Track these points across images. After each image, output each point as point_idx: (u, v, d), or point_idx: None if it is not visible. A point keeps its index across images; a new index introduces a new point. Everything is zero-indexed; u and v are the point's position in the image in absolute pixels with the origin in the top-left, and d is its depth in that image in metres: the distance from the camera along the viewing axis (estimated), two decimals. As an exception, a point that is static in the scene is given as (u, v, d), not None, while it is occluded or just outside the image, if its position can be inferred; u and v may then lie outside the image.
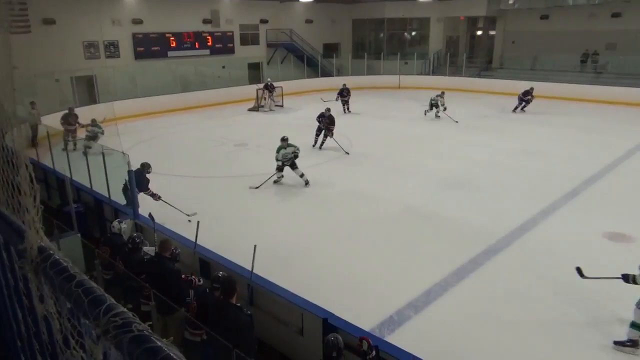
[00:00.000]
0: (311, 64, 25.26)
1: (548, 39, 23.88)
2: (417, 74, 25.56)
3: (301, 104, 20.04)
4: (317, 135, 12.75)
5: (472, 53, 27.59)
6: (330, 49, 27.63)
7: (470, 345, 4.87)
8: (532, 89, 17.59)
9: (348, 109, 17.78)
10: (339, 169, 11.15)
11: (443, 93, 16.38)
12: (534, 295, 5.76)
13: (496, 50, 27.08)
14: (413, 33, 29.21)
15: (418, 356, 3.79)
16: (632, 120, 16.07)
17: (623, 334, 4.82)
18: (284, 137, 9.98)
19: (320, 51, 26.94)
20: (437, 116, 16.22)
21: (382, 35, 29.29)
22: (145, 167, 7.85)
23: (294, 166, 9.80)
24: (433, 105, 16.19)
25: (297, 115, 18.15)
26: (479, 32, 28.71)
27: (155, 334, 0.77)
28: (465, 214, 8.22)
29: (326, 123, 12.45)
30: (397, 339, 4.76)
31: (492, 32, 27.55)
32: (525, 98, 17.44)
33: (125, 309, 0.82)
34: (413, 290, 5.81)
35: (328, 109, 12.85)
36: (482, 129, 15.02)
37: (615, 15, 22.28)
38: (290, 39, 24.98)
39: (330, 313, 4.23)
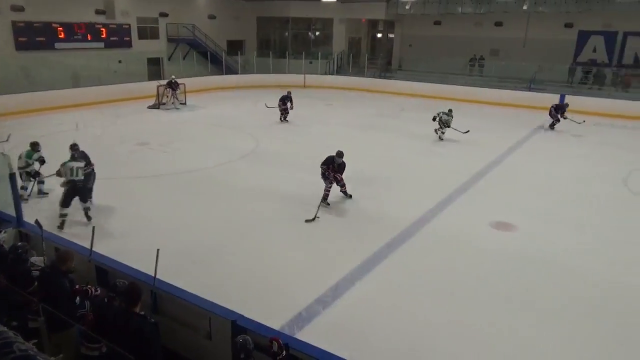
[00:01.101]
0: (215, 61, 24.69)
1: (441, 43, 25.63)
2: (322, 74, 26.07)
3: (205, 102, 19.52)
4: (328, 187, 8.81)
5: (374, 54, 28.73)
6: (235, 46, 27.21)
7: (379, 336, 5.07)
8: (566, 104, 15.94)
9: (285, 118, 15.86)
10: (244, 167, 11.04)
11: (451, 111, 13.93)
12: (437, 285, 6.14)
13: (395, 52, 28.50)
14: (317, 33, 29.72)
15: (328, 350, 3.87)
16: (513, 120, 17.75)
17: (533, 309, 5.32)
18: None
19: (225, 48, 26.43)
20: (441, 138, 13.90)
21: (287, 34, 29.45)
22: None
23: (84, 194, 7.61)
24: (442, 123, 13.74)
25: (201, 113, 17.65)
26: (379, 35, 30.00)
27: (42, 352, 0.70)
28: (370, 208, 8.56)
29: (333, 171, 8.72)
30: (307, 335, 4.82)
31: (391, 35, 28.93)
32: (557, 115, 15.75)
33: (5, 328, 0.74)
34: (321, 285, 5.93)
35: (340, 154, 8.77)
36: (382, 127, 15.70)
37: (498, 24, 24.51)
38: (192, 35, 24.18)
39: (240, 314, 4.18)
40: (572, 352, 4.95)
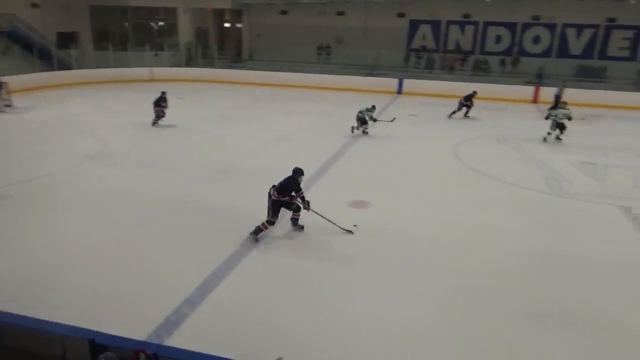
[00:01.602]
0: (45, 55, 21.95)
1: (289, 32, 26.22)
2: (170, 66, 24.88)
3: (37, 103, 17.32)
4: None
5: (223, 44, 28.25)
6: (66, 39, 24.48)
7: (253, 330, 5.09)
8: (474, 92, 16.64)
9: (157, 122, 14.25)
10: (87, 171, 10.11)
11: (374, 107, 13.73)
12: (305, 270, 6.35)
13: (244, 42, 28.38)
14: (160, 23, 28.18)
15: (203, 352, 3.79)
16: (358, 105, 18.91)
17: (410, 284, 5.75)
18: None
19: (54, 41, 23.65)
20: (365, 132, 13.68)
21: (126, 24, 27.40)
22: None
23: None
24: (361, 120, 13.51)
25: (34, 116, 15.62)
26: (227, 25, 29.56)
27: None
28: (232, 200, 8.49)
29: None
30: (178, 340, 4.67)
31: (239, 25, 28.69)
32: (467, 103, 16.50)
33: None
34: (188, 285, 5.75)
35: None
36: (239, 119, 15.62)
37: (340, 13, 25.86)
38: (12, 26, 21.14)
39: (98, 332, 3.86)
40: (421, 315, 5.54)
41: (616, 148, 12.97)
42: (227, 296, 5.65)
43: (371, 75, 22.96)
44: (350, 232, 7.30)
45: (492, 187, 9.78)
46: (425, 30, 25.24)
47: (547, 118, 13.58)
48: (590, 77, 21.54)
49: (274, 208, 6.95)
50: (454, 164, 11.31)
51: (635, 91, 20.20)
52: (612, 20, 22.64)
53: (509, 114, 17.57)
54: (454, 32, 24.86)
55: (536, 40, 23.82)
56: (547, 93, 19.53)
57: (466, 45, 24.79)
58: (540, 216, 8.29)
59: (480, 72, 23.33)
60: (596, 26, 22.89)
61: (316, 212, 7.22)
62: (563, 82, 18.95)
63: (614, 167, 11.20)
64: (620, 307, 5.64)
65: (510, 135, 14.22)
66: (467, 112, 16.64)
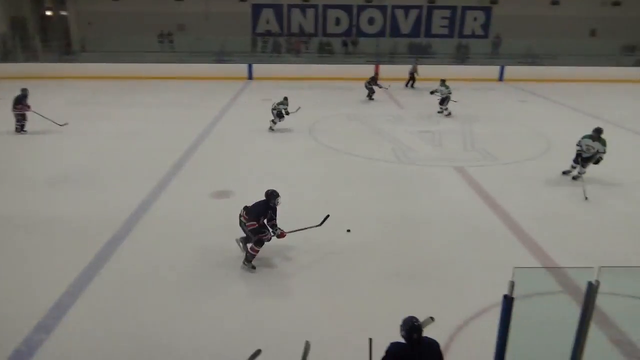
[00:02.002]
0: None
1: (125, 20, 24.24)
2: (-19, 63, 21.41)
3: None
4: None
5: (47, 36, 25.10)
6: None
7: (115, 341, 4.73)
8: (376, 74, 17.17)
9: (23, 127, 12.12)
10: None
11: (286, 99, 12.78)
12: (168, 270, 6.05)
13: (73, 32, 25.58)
14: (-38, 13, 23.95)
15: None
16: (209, 93, 18.48)
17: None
18: None
19: None
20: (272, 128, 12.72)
21: None
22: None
23: None
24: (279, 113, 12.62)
25: None
26: (49, 13, 26.28)
27: None
28: (80, 208, 7.70)
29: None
30: (32, 371, 4.14)
31: (64, 13, 25.71)
32: (369, 87, 17.09)
33: None
34: (39, 309, 5.11)
35: None
36: (77, 116, 14.13)
37: (179, -2, 24.71)
38: None
39: None
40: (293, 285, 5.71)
41: (452, 116, 14.63)
42: (85, 314, 5.15)
43: (220, 62, 22.49)
44: (326, 218, 6.58)
45: (347, 161, 10.36)
46: (268, 14, 25.40)
47: (432, 93, 14.81)
48: (420, 54, 23.88)
49: (253, 231, 5.83)
50: (311, 143, 11.71)
51: (455, 64, 22.98)
52: (432, 1, 25.26)
53: (356, 92, 18.68)
54: (296, 15, 25.44)
55: (371, 21, 25.54)
56: (386, 70, 21.23)
57: (309, 28, 25.59)
58: (391, 183, 9.04)
59: (325, 53, 24.35)
60: (419, 7, 25.33)
61: (294, 231, 6.29)
62: (416, 60, 20.88)
63: (447, 134, 12.65)
64: (461, 255, 6.45)
65: (358, 112, 15.16)
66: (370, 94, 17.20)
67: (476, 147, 11.46)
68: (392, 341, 3.24)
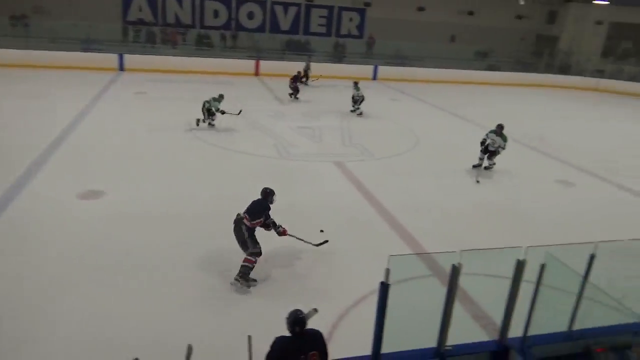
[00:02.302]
0: None
1: (-36, -3, 21.04)
2: None
3: None
4: None
5: None
6: None
7: None
8: (299, 72, 16.60)
9: None
10: None
11: (222, 97, 12.26)
12: (38, 274, 5.42)
13: None
14: None
15: None
16: (71, 85, 16.86)
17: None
18: None
19: None
20: (211, 124, 12.17)
21: None
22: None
23: None
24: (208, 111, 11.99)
25: None
26: None
27: None
28: None
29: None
30: None
31: None
32: (293, 85, 16.29)
33: None
34: None
35: None
36: None
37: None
38: None
39: None
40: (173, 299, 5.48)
41: (325, 112, 15.11)
42: None
43: (86, 50, 20.57)
44: (325, 242, 6.47)
45: (229, 157, 10.19)
46: (140, 2, 23.83)
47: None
48: (299, 51, 24.30)
49: (252, 237, 5.55)
50: (190, 139, 11.28)
51: (333, 63, 23.80)
52: (310, 0, 25.82)
53: (236, 87, 18.40)
54: (172, 5, 24.24)
55: (250, 15, 25.32)
56: (267, 66, 21.27)
57: (186, 19, 24.56)
58: (274, 178, 9.07)
59: (204, 46, 23.59)
60: (298, 5, 25.74)
61: (292, 235, 6.08)
62: (309, 57, 21.08)
63: (327, 130, 13.06)
64: (342, 247, 6.73)
65: (241, 107, 14.92)
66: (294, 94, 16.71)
67: (354, 143, 12.00)
68: (276, 336, 3.28)
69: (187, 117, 12.89)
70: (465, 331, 4.07)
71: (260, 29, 25.50)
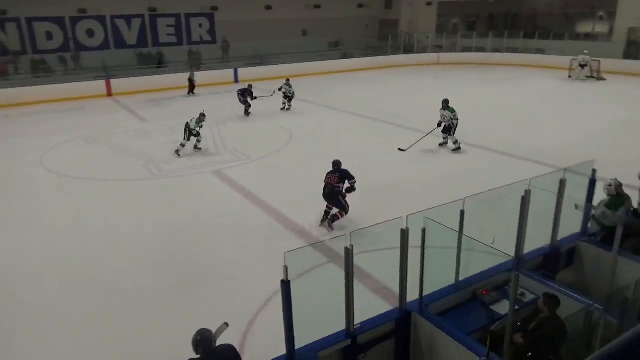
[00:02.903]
0: None
1: None
2: None
3: None
4: None
5: None
6: None
7: None
8: (250, 86, 15.62)
9: None
10: None
11: (203, 116, 11.57)
12: None
13: None
14: None
15: None
16: None
17: None
18: None
19: None
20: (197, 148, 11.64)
21: None
22: None
23: None
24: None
25: None
26: None
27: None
28: None
29: None
30: None
31: None
32: (243, 99, 15.24)
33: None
34: None
35: None
36: None
37: None
38: None
39: None
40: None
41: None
42: None
43: None
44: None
45: (97, 189, 9.38)
46: (-48, 32, 20.77)
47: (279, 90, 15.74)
48: (152, 64, 23.18)
49: (344, 197, 7.20)
50: (46, 175, 10.16)
51: (185, 71, 23.01)
52: (153, 10, 24.68)
53: (89, 111, 16.97)
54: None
55: (90, 33, 23.47)
56: (120, 84, 19.94)
57: (14, 45, 21.95)
58: (151, 201, 8.58)
59: (41, 73, 21.33)
60: (141, 16, 24.46)
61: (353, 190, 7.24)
62: (192, 68, 21.05)
63: (202, 140, 12.62)
64: (239, 253, 6.61)
65: (98, 133, 13.80)
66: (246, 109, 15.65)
67: (228, 149, 11.81)
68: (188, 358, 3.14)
69: (40, 151, 11.60)
70: (370, 306, 4.27)
71: (104, 46, 23.79)
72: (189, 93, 19.68)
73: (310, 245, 6.63)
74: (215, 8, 25.90)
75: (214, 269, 6.22)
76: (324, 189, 7.24)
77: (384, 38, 29.25)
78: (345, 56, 27.69)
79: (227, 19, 25.83)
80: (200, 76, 20.84)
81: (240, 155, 11.21)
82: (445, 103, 11.13)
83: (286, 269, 3.22)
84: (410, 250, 3.81)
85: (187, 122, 11.30)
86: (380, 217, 4.15)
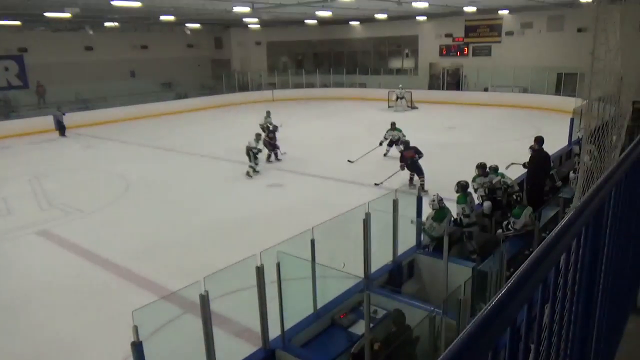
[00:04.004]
0: None
1: None
2: None
3: None
4: None
5: None
6: None
7: None
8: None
9: None
10: None
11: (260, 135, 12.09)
12: None
13: None
14: None
15: None
16: None
17: None
18: None
19: None
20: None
21: None
22: None
23: None
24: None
25: None
26: None
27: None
28: None
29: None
30: None
31: None
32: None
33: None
34: None
35: None
36: None
37: None
38: None
39: None
40: None
41: (9, 178, 12.74)
42: None
43: None
44: None
45: None
46: None
47: None
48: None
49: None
50: None
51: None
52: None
53: None
54: None
55: None
56: None
57: None
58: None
59: None
60: None
61: None
62: (58, 109, 19.38)
63: (15, 199, 11.00)
64: (83, 324, 5.84)
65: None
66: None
67: (55, 205, 10.50)
68: None
69: None
70: (233, 351, 4.12)
71: None
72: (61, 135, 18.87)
73: (162, 298, 6.17)
74: (24, 50, 23.25)
75: (60, 346, 5.38)
76: (406, 162, 9.87)
77: (218, 77, 29.39)
78: (179, 96, 27.01)
79: (40, 61, 23.33)
80: (9, 127, 18.37)
81: (70, 210, 10.05)
82: (393, 125, 13.11)
83: (136, 329, 2.94)
84: (269, 286, 3.80)
85: (247, 146, 11.78)
86: (234, 257, 4.08)
